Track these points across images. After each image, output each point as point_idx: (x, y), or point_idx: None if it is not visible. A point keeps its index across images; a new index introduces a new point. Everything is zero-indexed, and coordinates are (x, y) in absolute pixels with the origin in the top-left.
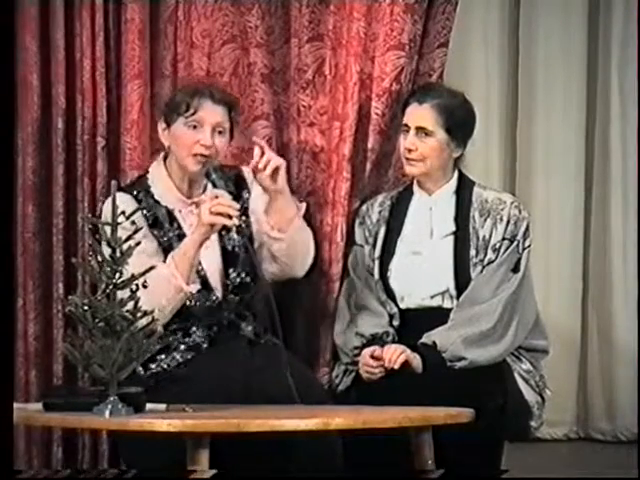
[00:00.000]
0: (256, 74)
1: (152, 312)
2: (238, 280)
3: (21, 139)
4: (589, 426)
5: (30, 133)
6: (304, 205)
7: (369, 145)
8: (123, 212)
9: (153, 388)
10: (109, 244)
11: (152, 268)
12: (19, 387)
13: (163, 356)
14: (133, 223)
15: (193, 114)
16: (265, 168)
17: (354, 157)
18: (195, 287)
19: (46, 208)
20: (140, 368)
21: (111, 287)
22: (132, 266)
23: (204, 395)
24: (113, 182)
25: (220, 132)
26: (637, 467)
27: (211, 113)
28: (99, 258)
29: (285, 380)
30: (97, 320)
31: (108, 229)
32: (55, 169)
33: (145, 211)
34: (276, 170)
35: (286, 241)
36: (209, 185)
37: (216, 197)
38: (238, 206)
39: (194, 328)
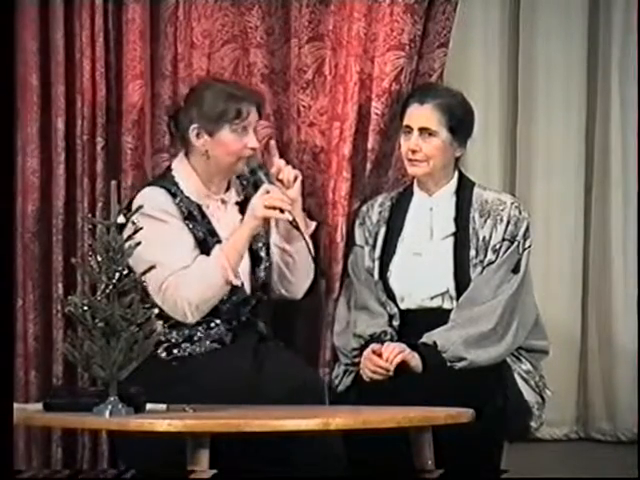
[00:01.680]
0: (256, 74)
1: (152, 311)
2: (262, 279)
3: (21, 139)
4: (589, 426)
5: (30, 133)
6: (314, 224)
7: (369, 145)
8: (123, 212)
9: (174, 371)
10: (109, 244)
11: (153, 268)
12: (19, 387)
13: (188, 344)
14: (133, 223)
15: (244, 120)
16: (284, 178)
17: (354, 157)
18: (239, 281)
19: (46, 208)
20: (163, 352)
21: (111, 287)
22: (177, 259)
23: (220, 388)
24: (113, 182)
25: (255, 130)
26: (637, 467)
27: (253, 115)
28: (99, 258)
29: (316, 377)
30: (97, 320)
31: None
32: (55, 169)
33: (181, 205)
34: (294, 179)
35: (292, 255)
36: (232, 181)
37: (267, 192)
38: (290, 200)
39: (216, 321)
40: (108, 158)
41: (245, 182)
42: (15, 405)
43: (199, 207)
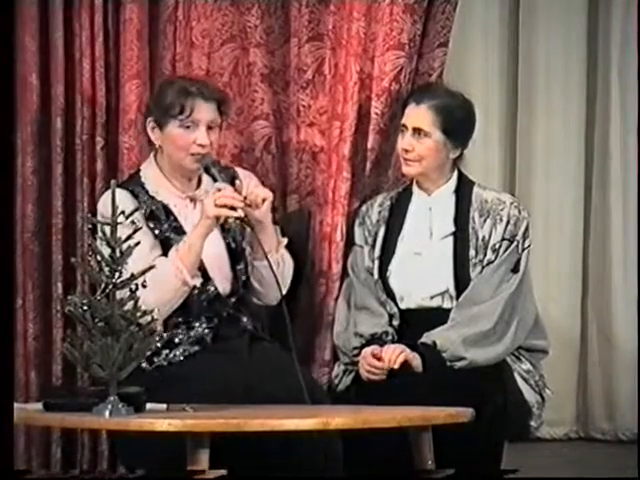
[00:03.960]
0: (256, 74)
1: (152, 311)
2: (243, 276)
3: (21, 139)
4: (589, 426)
5: (29, 133)
6: (285, 240)
7: (369, 145)
8: (123, 212)
9: (157, 382)
10: (109, 244)
11: (153, 267)
12: (19, 387)
13: (167, 350)
14: (133, 222)
15: (188, 116)
16: (251, 200)
17: (354, 157)
18: (198, 280)
19: (45, 208)
20: (144, 362)
21: (111, 287)
22: (131, 260)
23: (207, 392)
24: (112, 181)
25: (212, 128)
26: (637, 467)
27: (205, 112)
28: (98, 258)
29: (296, 378)
30: (97, 320)
31: (107, 228)
32: (54, 169)
33: (142, 205)
34: (263, 201)
35: (260, 270)
36: (203, 179)
37: (219, 190)
38: (241, 198)
39: (196, 322)
40: (108, 158)
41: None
42: (15, 405)
43: (165, 206)
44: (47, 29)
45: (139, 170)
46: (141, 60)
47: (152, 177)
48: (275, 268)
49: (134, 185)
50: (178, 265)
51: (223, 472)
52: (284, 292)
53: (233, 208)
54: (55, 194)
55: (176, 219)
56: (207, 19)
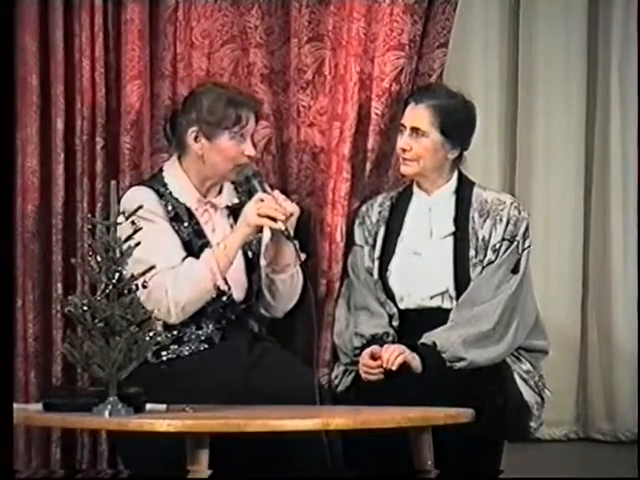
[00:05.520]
0: (256, 74)
1: (152, 312)
2: (257, 286)
3: (21, 139)
4: (589, 426)
5: (30, 133)
6: (304, 255)
7: (369, 145)
8: (123, 212)
9: (161, 375)
10: (109, 244)
11: (153, 267)
12: (19, 387)
13: (176, 346)
14: (133, 223)
15: (243, 127)
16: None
17: (354, 157)
18: (226, 286)
19: (45, 208)
20: (152, 355)
21: (111, 287)
22: (163, 258)
23: (208, 388)
24: (113, 182)
25: (252, 137)
26: (637, 467)
27: (252, 123)
28: (98, 258)
29: (297, 378)
30: (96, 320)
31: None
32: (54, 169)
33: (168, 206)
34: (290, 215)
35: (277, 284)
36: (225, 187)
37: (261, 200)
38: (285, 210)
39: (205, 322)
40: (108, 158)
41: (239, 187)
42: (15, 405)
43: (187, 209)
44: (47, 29)
45: (161, 170)
46: (142, 60)
47: (176, 179)
48: (289, 282)
49: (158, 184)
50: (213, 267)
51: (209, 472)
52: (292, 305)
53: (274, 219)
54: (55, 194)
55: (198, 222)
56: (207, 19)
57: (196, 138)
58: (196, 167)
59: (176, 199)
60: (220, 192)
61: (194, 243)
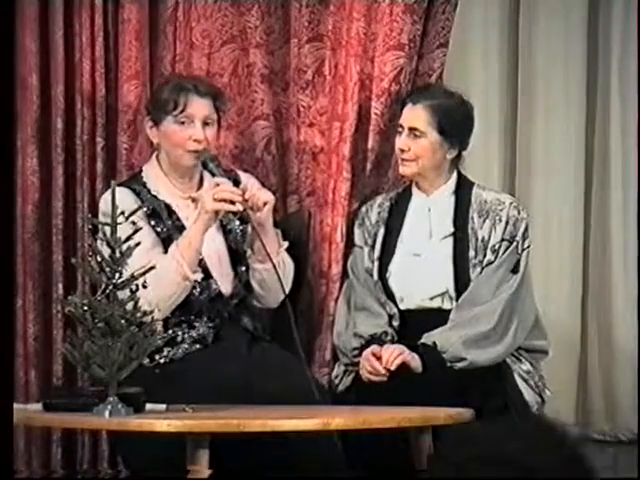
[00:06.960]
0: (256, 74)
1: (152, 312)
2: (245, 277)
3: (21, 139)
4: (589, 426)
5: (30, 133)
6: (286, 243)
7: (369, 145)
8: (123, 212)
9: (157, 379)
10: (109, 244)
11: (154, 267)
12: (19, 387)
13: (170, 348)
14: (133, 223)
15: (182, 111)
16: (252, 203)
17: (354, 157)
18: (199, 276)
19: (45, 209)
20: (146, 359)
21: (111, 287)
22: (132, 259)
23: (206, 390)
24: (113, 182)
25: (208, 124)
26: (637, 467)
27: (199, 107)
28: (99, 258)
29: (296, 378)
30: (97, 320)
31: (108, 228)
32: (54, 169)
33: (145, 203)
34: (264, 204)
35: (261, 272)
36: (205, 180)
37: (217, 185)
38: (240, 192)
39: (198, 321)
40: (108, 158)
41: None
42: (15, 405)
43: (167, 205)
44: (47, 29)
45: (141, 170)
46: (140, 60)
47: (153, 176)
48: (274, 271)
49: (136, 184)
50: (178, 259)
51: (209, 472)
52: (284, 294)
53: (232, 203)
54: (55, 194)
55: (178, 218)
56: (207, 20)
57: (151, 127)
58: (162, 158)
59: (154, 197)
60: (200, 186)
61: (175, 239)
